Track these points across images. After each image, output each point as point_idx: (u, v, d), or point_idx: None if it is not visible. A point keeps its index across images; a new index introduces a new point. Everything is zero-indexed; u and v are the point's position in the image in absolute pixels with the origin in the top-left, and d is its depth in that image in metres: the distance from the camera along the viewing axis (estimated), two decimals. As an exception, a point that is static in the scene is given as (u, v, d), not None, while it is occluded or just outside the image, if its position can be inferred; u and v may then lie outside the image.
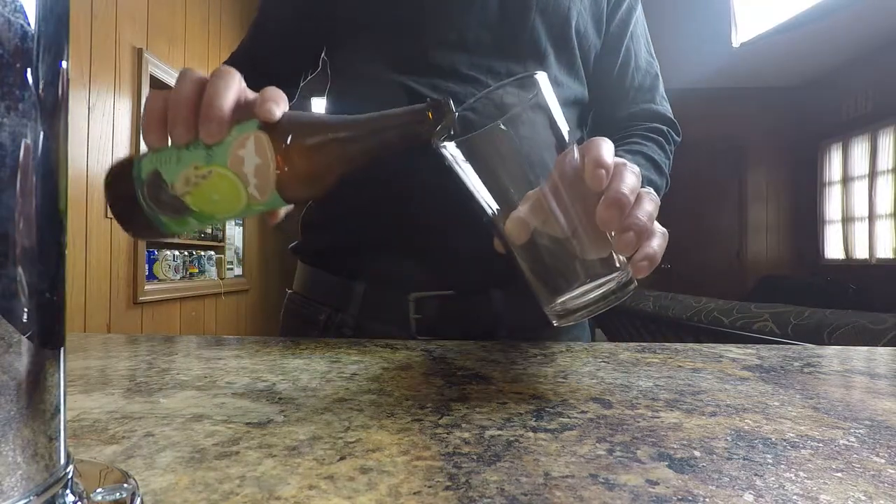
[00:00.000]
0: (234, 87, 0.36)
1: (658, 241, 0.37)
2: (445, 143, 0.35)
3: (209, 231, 2.70)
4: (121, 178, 0.36)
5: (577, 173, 0.34)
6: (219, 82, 0.36)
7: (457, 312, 0.58)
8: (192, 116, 0.35)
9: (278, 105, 0.36)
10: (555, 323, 0.36)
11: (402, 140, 0.37)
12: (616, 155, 0.36)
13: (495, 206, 0.36)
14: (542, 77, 0.35)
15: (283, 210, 0.41)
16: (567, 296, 0.35)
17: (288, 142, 0.35)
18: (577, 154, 0.35)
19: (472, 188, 0.36)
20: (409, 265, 0.58)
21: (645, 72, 0.67)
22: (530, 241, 0.35)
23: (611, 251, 0.35)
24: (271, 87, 0.37)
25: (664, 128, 0.65)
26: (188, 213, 0.36)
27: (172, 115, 0.36)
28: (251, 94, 0.38)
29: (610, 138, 0.37)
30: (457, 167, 0.35)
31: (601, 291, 0.35)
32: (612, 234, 0.35)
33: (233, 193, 0.35)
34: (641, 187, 0.37)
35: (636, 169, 0.37)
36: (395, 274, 0.59)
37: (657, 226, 0.39)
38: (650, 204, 0.37)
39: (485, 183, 0.35)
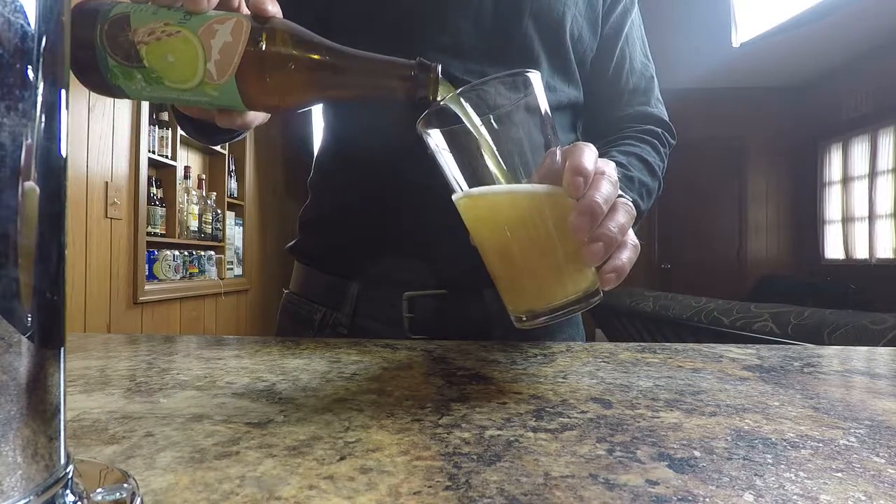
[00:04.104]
0: None
1: (628, 253, 0.37)
2: (430, 130, 0.35)
3: (209, 231, 2.69)
4: (87, 15, 0.36)
5: (557, 177, 0.34)
6: None
7: (450, 311, 0.58)
8: None
9: (273, 5, 0.36)
10: (517, 325, 0.36)
11: (375, 89, 0.36)
12: (609, 156, 0.36)
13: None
14: (535, 76, 0.35)
15: (239, 119, 0.40)
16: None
17: (264, 37, 0.35)
18: (559, 158, 0.35)
19: (451, 178, 0.36)
20: (402, 264, 0.58)
21: (640, 74, 0.67)
22: None
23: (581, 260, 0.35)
24: None
25: (658, 130, 0.64)
26: (138, 64, 0.35)
27: None
28: (244, 8, 0.38)
29: (604, 140, 0.36)
30: (439, 155, 0.35)
31: (567, 299, 0.35)
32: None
33: (190, 61, 0.34)
34: (620, 196, 0.37)
35: (614, 178, 0.36)
36: (389, 273, 0.59)
37: (631, 237, 0.38)
38: (624, 215, 0.36)
39: (464, 175, 0.35)
